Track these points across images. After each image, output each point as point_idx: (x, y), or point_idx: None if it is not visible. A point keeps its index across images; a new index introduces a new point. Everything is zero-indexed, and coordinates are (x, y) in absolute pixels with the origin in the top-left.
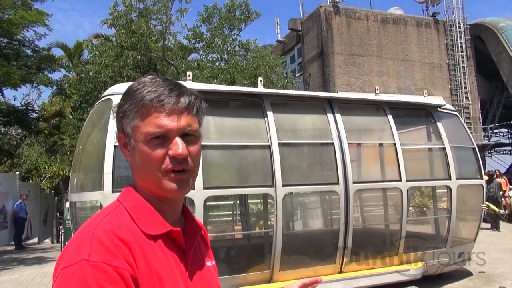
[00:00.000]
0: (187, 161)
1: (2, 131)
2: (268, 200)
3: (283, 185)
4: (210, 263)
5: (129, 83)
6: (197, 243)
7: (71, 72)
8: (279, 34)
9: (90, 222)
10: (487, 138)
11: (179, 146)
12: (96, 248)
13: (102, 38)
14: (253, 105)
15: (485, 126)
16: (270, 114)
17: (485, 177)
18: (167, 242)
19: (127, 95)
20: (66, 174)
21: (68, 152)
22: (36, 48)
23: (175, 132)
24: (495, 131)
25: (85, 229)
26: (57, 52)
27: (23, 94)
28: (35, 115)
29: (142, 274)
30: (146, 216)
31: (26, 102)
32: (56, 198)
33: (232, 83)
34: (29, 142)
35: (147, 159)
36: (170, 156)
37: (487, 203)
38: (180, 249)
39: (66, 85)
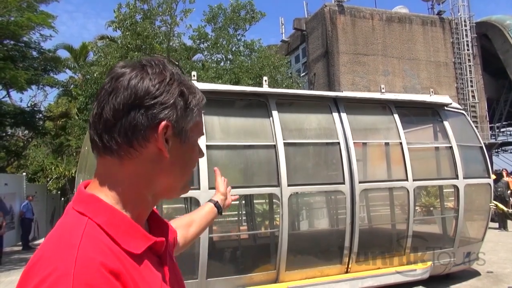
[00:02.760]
0: None
1: (9, 133)
2: (273, 200)
3: (288, 185)
4: (176, 261)
5: None
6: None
7: (76, 74)
8: (283, 34)
9: (60, 250)
10: (494, 137)
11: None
12: None
13: (107, 39)
14: (258, 105)
15: (492, 124)
16: (275, 113)
17: (493, 176)
18: (149, 256)
19: (190, 88)
20: (73, 175)
21: (74, 153)
22: (42, 50)
23: None
24: (502, 129)
25: (59, 261)
26: (63, 54)
27: (30, 96)
28: (41, 116)
29: None
30: (126, 231)
31: (32, 104)
32: (62, 199)
33: (237, 83)
34: (35, 143)
35: (194, 160)
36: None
37: (494, 202)
38: (157, 256)
39: (72, 86)
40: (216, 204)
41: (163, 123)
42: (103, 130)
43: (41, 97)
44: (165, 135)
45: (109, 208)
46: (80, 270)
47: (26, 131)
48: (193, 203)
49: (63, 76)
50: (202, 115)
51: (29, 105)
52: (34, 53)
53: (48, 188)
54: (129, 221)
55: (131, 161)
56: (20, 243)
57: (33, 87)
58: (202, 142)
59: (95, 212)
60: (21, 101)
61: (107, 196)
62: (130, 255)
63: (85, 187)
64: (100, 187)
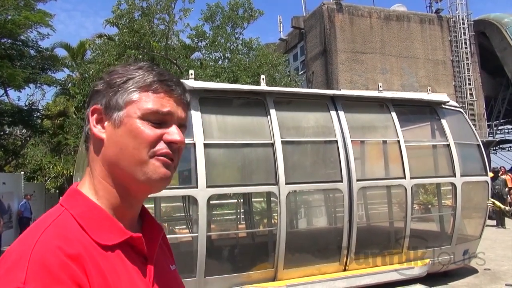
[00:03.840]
0: (178, 154)
1: (7, 132)
2: (271, 198)
3: (286, 183)
4: (174, 266)
5: None
6: (159, 247)
7: (74, 72)
8: (281, 32)
9: (28, 235)
10: (492, 135)
11: (177, 133)
12: (34, 272)
13: (105, 37)
14: (256, 103)
15: (490, 122)
16: (273, 112)
17: (490, 174)
18: (126, 251)
19: (127, 70)
20: (71, 173)
21: (72, 152)
22: (40, 48)
23: (175, 118)
24: (500, 127)
25: (23, 244)
26: (61, 52)
27: (27, 95)
28: (39, 114)
29: None
30: (100, 223)
31: (30, 102)
32: (60, 197)
33: (235, 81)
34: (33, 142)
35: (139, 136)
36: (167, 141)
37: (492, 200)
38: (142, 256)
39: (69, 85)
40: None
41: (92, 107)
42: (84, 122)
43: (39, 96)
44: (95, 118)
45: (87, 200)
46: (37, 252)
47: (24, 130)
48: (191, 202)
49: (61, 75)
50: (154, 90)
51: (26, 103)
52: (32, 52)
53: (46, 187)
54: (105, 214)
55: (91, 151)
56: None
57: (31, 85)
58: (198, 140)
59: (73, 205)
60: (19, 100)
61: (89, 189)
62: (101, 246)
63: (77, 186)
64: (83, 181)
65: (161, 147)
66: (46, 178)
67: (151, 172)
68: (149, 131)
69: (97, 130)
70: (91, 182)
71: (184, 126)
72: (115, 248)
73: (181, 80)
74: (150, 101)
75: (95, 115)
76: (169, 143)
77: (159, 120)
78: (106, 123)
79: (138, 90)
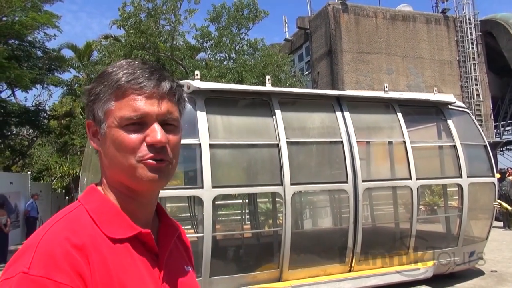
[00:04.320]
0: (167, 151)
1: (14, 132)
2: (276, 199)
3: (291, 184)
4: (190, 267)
5: None
6: (174, 246)
7: (81, 73)
8: (287, 33)
9: (43, 226)
10: (498, 136)
11: (157, 132)
12: (39, 259)
13: (111, 38)
14: (261, 104)
15: (497, 123)
16: (278, 112)
17: (497, 175)
18: (136, 246)
19: (101, 77)
20: (77, 174)
21: (79, 152)
22: (46, 49)
23: (153, 117)
24: (507, 128)
25: (36, 235)
26: (67, 53)
27: (34, 95)
28: (46, 115)
29: (97, 284)
30: (111, 218)
31: (37, 103)
32: (67, 197)
33: (240, 82)
34: (40, 142)
35: (121, 146)
36: (148, 143)
37: (499, 201)
38: (153, 253)
39: (76, 85)
40: None
41: (87, 121)
42: None
43: (45, 97)
44: (91, 131)
45: (102, 197)
46: (44, 241)
47: (31, 130)
48: (197, 202)
49: (67, 76)
50: (122, 94)
51: (33, 104)
52: (39, 53)
53: (53, 187)
54: (116, 210)
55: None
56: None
57: (38, 86)
58: (204, 140)
59: (89, 200)
60: (26, 101)
61: (104, 188)
62: (110, 239)
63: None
64: (101, 180)
65: (144, 151)
66: (53, 178)
67: (141, 176)
68: (129, 138)
69: (93, 142)
70: (104, 183)
71: (172, 119)
72: (124, 242)
73: (187, 80)
74: (122, 107)
75: (90, 129)
76: (151, 145)
77: (137, 122)
78: (99, 135)
79: (110, 97)
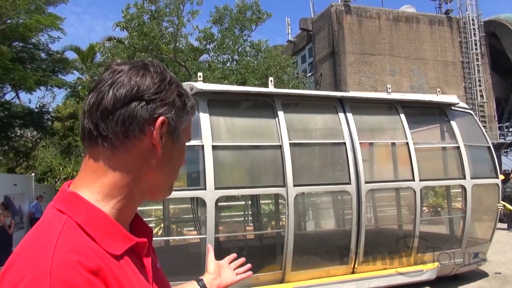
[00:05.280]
0: None
1: (18, 134)
2: (279, 200)
3: (294, 185)
4: (158, 264)
5: None
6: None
7: (84, 75)
8: (290, 34)
9: (37, 249)
10: (502, 137)
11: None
12: None
13: (115, 40)
14: (264, 105)
15: (501, 124)
16: (281, 114)
17: (501, 177)
18: (130, 256)
19: (186, 91)
20: None
21: (82, 154)
22: (50, 51)
23: None
24: (511, 129)
25: (37, 259)
26: (71, 55)
27: (38, 97)
28: (49, 117)
29: None
30: (106, 231)
31: (41, 105)
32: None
33: (243, 83)
34: (44, 144)
35: (181, 162)
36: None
37: (503, 202)
38: (139, 258)
39: (79, 87)
40: (201, 284)
41: (161, 118)
42: (100, 118)
43: (49, 98)
44: (161, 130)
45: (90, 206)
46: (57, 269)
47: (35, 132)
48: (200, 204)
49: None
50: (190, 119)
51: (37, 106)
52: (43, 55)
53: (57, 188)
54: (110, 221)
55: (124, 154)
56: None
57: (42, 88)
58: (207, 142)
59: (75, 211)
60: (29, 102)
61: (92, 192)
62: (113, 256)
63: (68, 186)
64: (85, 183)
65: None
66: (56, 179)
67: (168, 193)
68: (184, 157)
69: (157, 139)
70: (97, 186)
71: None
72: (124, 255)
73: (190, 82)
74: (190, 131)
75: (164, 126)
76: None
77: None
78: (164, 138)
79: (190, 117)
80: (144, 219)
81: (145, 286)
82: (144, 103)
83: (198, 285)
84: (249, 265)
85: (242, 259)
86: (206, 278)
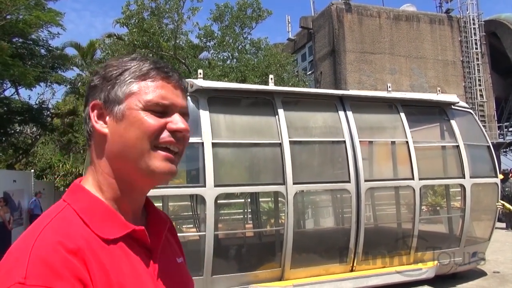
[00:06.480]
0: (183, 142)
1: (18, 130)
2: (279, 198)
3: (294, 183)
4: (181, 259)
5: None
6: (165, 238)
7: (84, 71)
8: (290, 32)
9: (30, 231)
10: (502, 137)
11: (179, 120)
12: (35, 268)
13: (115, 37)
14: (264, 103)
15: (500, 124)
16: (281, 112)
17: (500, 176)
18: (129, 244)
19: (122, 62)
20: (80, 172)
21: (82, 151)
22: (50, 48)
23: (177, 108)
24: (510, 129)
25: (24, 241)
26: (71, 52)
27: (38, 94)
28: (49, 113)
29: None
30: (102, 218)
31: (40, 101)
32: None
33: (243, 81)
34: (43, 141)
35: (144, 127)
36: (172, 129)
37: (502, 202)
38: (145, 248)
39: (79, 84)
40: None
41: (91, 103)
42: (84, 120)
43: (49, 95)
44: (94, 113)
45: (89, 196)
46: (38, 249)
47: (34, 129)
48: (199, 201)
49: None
50: (151, 79)
51: (37, 102)
52: (42, 51)
53: (56, 185)
54: (107, 209)
55: (93, 146)
56: None
57: (41, 84)
58: (207, 139)
59: (75, 199)
60: (29, 99)
61: (91, 186)
62: (104, 240)
63: (80, 182)
64: (87, 177)
65: (164, 135)
66: (56, 176)
67: (153, 166)
68: (152, 120)
69: (99, 125)
70: (94, 179)
71: (187, 114)
72: (118, 242)
73: (190, 79)
74: (150, 92)
75: (95, 111)
76: (173, 132)
77: (161, 109)
78: (107, 118)
79: (135, 80)
80: None
81: (140, 275)
82: (88, 98)
83: None
84: None
85: None
86: None
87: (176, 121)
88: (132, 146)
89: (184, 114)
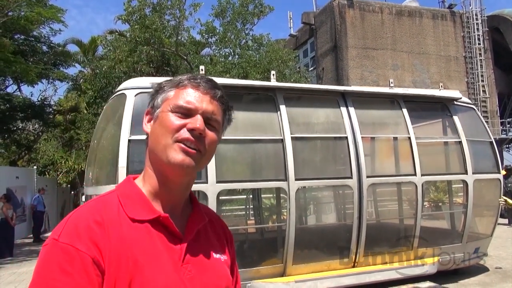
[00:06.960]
0: (203, 141)
1: (20, 126)
2: (281, 194)
3: (296, 179)
4: (221, 256)
5: (143, 78)
6: (204, 233)
7: (86, 68)
8: (292, 28)
9: (79, 206)
10: (504, 132)
11: (198, 120)
12: (67, 230)
13: (116, 33)
14: (266, 99)
15: (503, 120)
16: (283, 108)
17: (503, 172)
18: (158, 228)
19: (170, 79)
20: (82, 168)
21: (84, 147)
22: (52, 44)
23: (199, 111)
24: None
25: (71, 212)
26: (72, 48)
27: (40, 90)
28: (51, 110)
29: (111, 257)
30: (135, 202)
31: (43, 98)
32: (72, 192)
33: (245, 77)
34: (46, 137)
35: (166, 125)
36: (188, 128)
37: (504, 197)
38: (176, 236)
39: (81, 80)
40: None
41: (146, 110)
42: None
43: (51, 92)
44: (147, 118)
45: (131, 185)
46: (73, 217)
47: (37, 125)
48: (201, 197)
49: (73, 70)
50: (182, 86)
51: (39, 99)
52: (44, 48)
53: (58, 181)
54: (141, 196)
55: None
56: (31, 235)
57: (43, 81)
58: None
59: (120, 187)
60: (31, 95)
61: (140, 178)
62: (131, 219)
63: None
64: (142, 172)
65: (182, 133)
66: (58, 172)
67: (170, 156)
68: (175, 120)
69: (146, 126)
70: (143, 172)
71: (214, 120)
72: (145, 223)
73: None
74: (178, 97)
75: (147, 116)
76: (191, 130)
77: (184, 112)
78: (152, 121)
79: (171, 89)
80: None
81: (160, 252)
82: (147, 105)
83: None
84: None
85: None
86: None
87: (194, 121)
88: (159, 141)
89: (211, 119)
